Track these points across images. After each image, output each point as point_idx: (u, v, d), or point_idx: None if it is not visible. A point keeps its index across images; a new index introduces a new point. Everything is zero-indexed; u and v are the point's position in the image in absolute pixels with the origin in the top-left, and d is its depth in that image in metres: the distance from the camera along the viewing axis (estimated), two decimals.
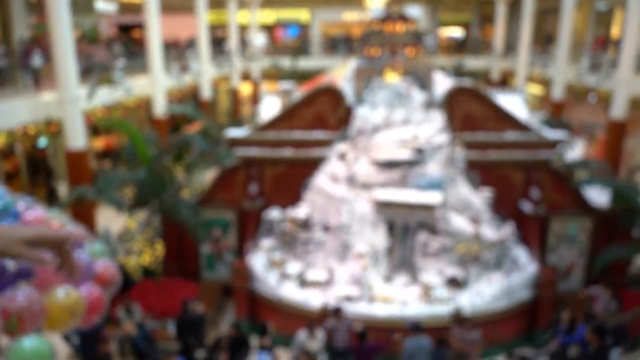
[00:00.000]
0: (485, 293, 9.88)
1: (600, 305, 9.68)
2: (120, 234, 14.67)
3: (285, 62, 31.84)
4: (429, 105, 11.16)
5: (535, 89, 28.48)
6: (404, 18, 11.58)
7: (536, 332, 10.43)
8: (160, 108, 17.60)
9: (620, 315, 8.84)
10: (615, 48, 22.18)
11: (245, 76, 31.13)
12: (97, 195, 9.89)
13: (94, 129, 24.40)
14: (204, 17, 23.66)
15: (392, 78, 11.34)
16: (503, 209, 11.24)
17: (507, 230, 10.70)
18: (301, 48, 33.99)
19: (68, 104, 12.49)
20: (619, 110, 17.39)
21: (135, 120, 24.44)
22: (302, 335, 8.60)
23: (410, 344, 8.26)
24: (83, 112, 13.25)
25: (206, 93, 23.93)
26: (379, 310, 9.65)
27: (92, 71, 14.90)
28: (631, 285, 11.54)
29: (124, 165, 12.22)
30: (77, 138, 13.01)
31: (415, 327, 8.44)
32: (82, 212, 12.93)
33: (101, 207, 10.46)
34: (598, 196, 11.64)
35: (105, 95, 14.35)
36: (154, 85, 17.66)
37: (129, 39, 26.22)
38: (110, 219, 14.88)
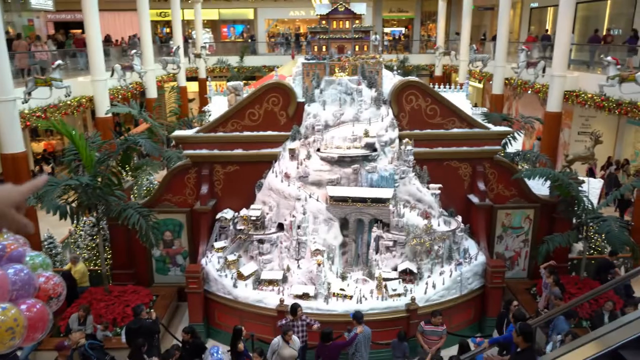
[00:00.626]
0: (437, 284, 10.15)
1: (546, 291, 10.16)
2: (65, 241, 14.09)
3: (233, 60, 31.50)
4: (378, 101, 11.31)
5: (476, 83, 29.46)
6: (350, 14, 11.67)
7: (486, 320, 10.84)
8: (103, 109, 16.97)
9: (557, 305, 9.23)
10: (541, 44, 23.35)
11: (193, 75, 30.57)
12: (36, 201, 9.41)
13: (34, 132, 23.34)
14: (146, 14, 23.01)
15: (341, 75, 11.42)
16: (452, 202, 11.58)
17: (457, 222, 11.04)
18: (248, 46, 33.69)
19: (2, 105, 11.85)
20: (554, 103, 18.26)
21: (78, 122, 23.53)
22: (275, 339, 8.49)
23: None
24: (20, 114, 12.62)
25: (152, 92, 23.31)
26: (336, 306, 9.73)
27: (29, 71, 14.19)
28: (572, 271, 12.19)
29: (67, 169, 11.71)
30: (13, 141, 12.38)
31: (357, 317, 8.77)
32: None
33: (44, 213, 9.99)
34: (538, 186, 12.20)
35: (43, 97, 13.70)
36: (96, 85, 17.02)
37: (68, 38, 25.15)
38: (55, 225, 14.24)
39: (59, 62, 13.57)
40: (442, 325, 8.94)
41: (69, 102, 15.73)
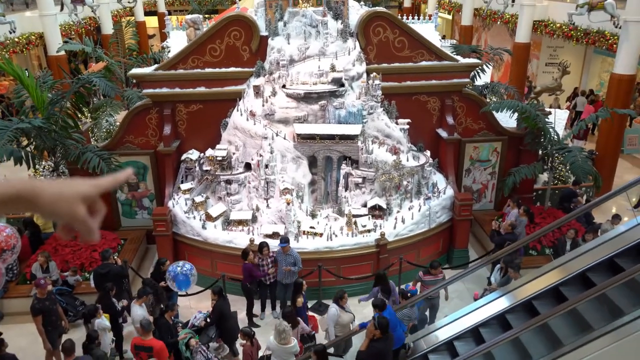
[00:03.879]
0: (407, 219, 10.24)
1: (510, 219, 10.37)
2: None
3: None
4: (344, 34, 10.88)
5: (445, 15, 28.87)
6: None
7: (453, 251, 11.09)
8: (54, 46, 15.96)
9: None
10: None
11: (152, 10, 28.98)
12: None
13: None
14: None
15: (305, 6, 10.87)
16: (421, 136, 11.50)
17: (425, 157, 11.02)
18: None
19: None
20: (523, 33, 18.05)
21: (30, 60, 22.21)
22: (333, 309, 8.00)
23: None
24: None
25: (107, 28, 22.04)
26: (306, 244, 9.76)
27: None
28: (537, 201, 12.47)
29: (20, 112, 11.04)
30: None
31: (283, 240, 9.06)
32: None
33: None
34: (506, 119, 12.20)
35: None
36: (45, 20, 15.90)
37: None
38: (14, 171, 13.67)
39: None
40: (441, 274, 8.90)
41: (16, 40, 14.70)
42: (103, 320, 7.99)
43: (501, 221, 10.80)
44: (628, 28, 12.52)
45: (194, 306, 9.80)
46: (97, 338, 7.62)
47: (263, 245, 9.08)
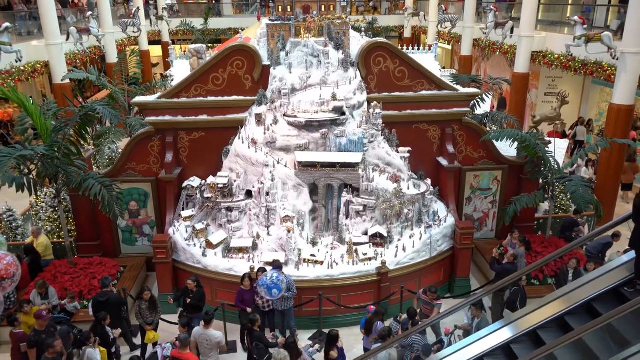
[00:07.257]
0: (408, 247, 10.19)
1: (510, 250, 10.32)
2: (26, 214, 13.61)
3: (197, 23, 30.43)
4: (346, 64, 11.04)
5: (445, 45, 29.30)
6: None
7: (455, 280, 11.00)
8: (60, 74, 16.18)
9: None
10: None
11: (156, 39, 29.47)
12: None
13: None
14: None
15: (307, 37, 11.06)
16: (421, 164, 11.55)
17: (426, 185, 11.04)
18: (212, 7, 32.58)
19: None
20: (522, 64, 18.30)
21: (35, 88, 22.50)
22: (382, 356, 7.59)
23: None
24: None
25: (112, 57, 22.39)
26: (307, 272, 9.70)
27: None
28: (538, 230, 12.43)
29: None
30: None
31: (276, 266, 9.04)
32: None
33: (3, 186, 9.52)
34: (506, 147, 12.25)
35: None
36: (51, 49, 16.17)
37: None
38: (15, 198, 13.68)
39: (7, 24, 12.72)
40: (437, 300, 8.79)
41: (22, 68, 14.92)
42: (95, 353, 7.82)
43: (502, 250, 10.77)
44: (625, 59, 12.69)
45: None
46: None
47: (262, 271, 9.10)
